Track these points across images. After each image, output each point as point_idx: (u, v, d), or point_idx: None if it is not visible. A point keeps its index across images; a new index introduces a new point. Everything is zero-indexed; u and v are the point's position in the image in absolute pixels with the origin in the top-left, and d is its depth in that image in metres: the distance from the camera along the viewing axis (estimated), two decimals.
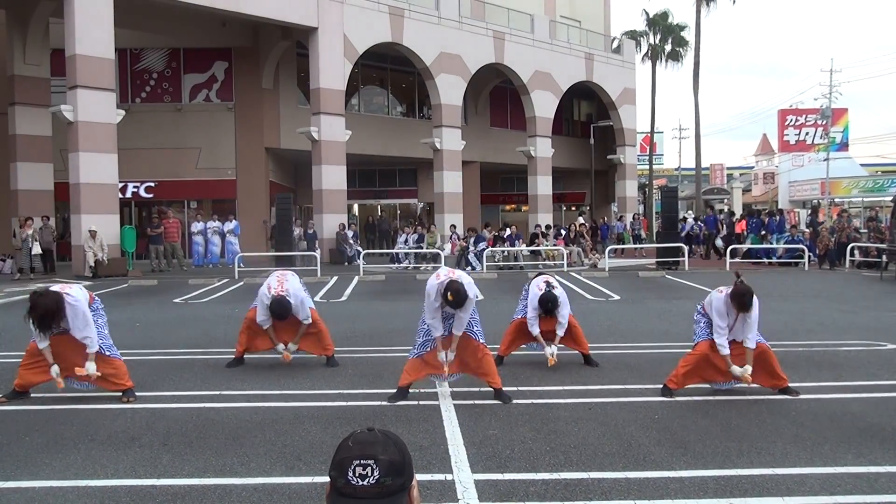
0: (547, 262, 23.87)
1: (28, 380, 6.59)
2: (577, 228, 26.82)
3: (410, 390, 6.52)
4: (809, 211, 30.11)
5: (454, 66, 28.95)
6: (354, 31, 25.82)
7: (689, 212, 38.46)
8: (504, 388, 6.50)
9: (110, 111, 20.38)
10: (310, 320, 7.73)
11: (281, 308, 7.38)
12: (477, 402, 6.39)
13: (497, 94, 36.20)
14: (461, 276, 6.22)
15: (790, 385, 6.59)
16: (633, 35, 42.48)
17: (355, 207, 36.50)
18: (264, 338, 7.84)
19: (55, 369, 6.42)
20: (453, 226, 27.27)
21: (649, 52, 43.39)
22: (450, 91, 28.82)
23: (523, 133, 33.83)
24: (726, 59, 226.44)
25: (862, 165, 50.01)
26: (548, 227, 27.00)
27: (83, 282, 18.79)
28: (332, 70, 25.11)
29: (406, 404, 6.35)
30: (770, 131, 56.27)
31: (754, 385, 6.56)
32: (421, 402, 6.42)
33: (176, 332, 10.73)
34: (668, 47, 43.52)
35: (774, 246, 23.74)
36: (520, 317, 7.86)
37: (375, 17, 26.48)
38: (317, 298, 14.64)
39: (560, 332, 7.61)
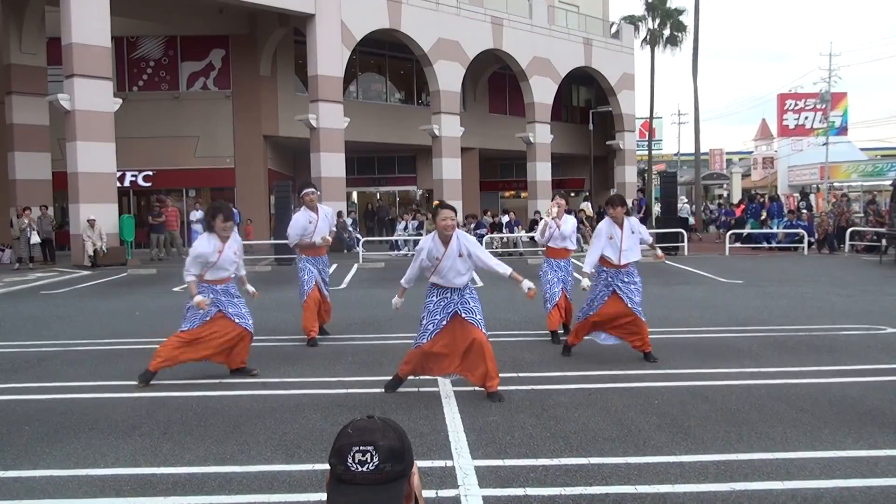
0: None
1: (175, 358, 6.76)
2: (577, 214, 26.81)
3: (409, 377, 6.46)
4: (800, 197, 30.17)
5: (452, 53, 28.82)
6: (352, 18, 25.67)
7: (682, 197, 38.48)
8: (502, 375, 6.31)
9: (107, 100, 20.30)
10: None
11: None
12: (477, 388, 6.38)
13: (496, 80, 36.07)
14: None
15: (652, 353, 7.46)
16: (632, 20, 42.22)
17: (354, 195, 36.44)
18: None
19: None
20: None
21: (648, 36, 43.10)
22: (448, 77, 28.70)
23: (522, 119, 33.73)
24: (725, 43, 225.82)
25: (861, 149, 49.86)
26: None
27: (82, 271, 18.81)
28: (329, 57, 24.98)
29: (406, 391, 6.35)
30: (769, 116, 56.11)
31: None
32: (421, 389, 6.42)
33: (176, 321, 10.65)
34: (666, 32, 43.21)
35: (774, 231, 23.75)
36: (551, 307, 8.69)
37: (373, 3, 26.32)
38: None
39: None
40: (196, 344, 6.72)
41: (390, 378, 6.44)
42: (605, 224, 7.62)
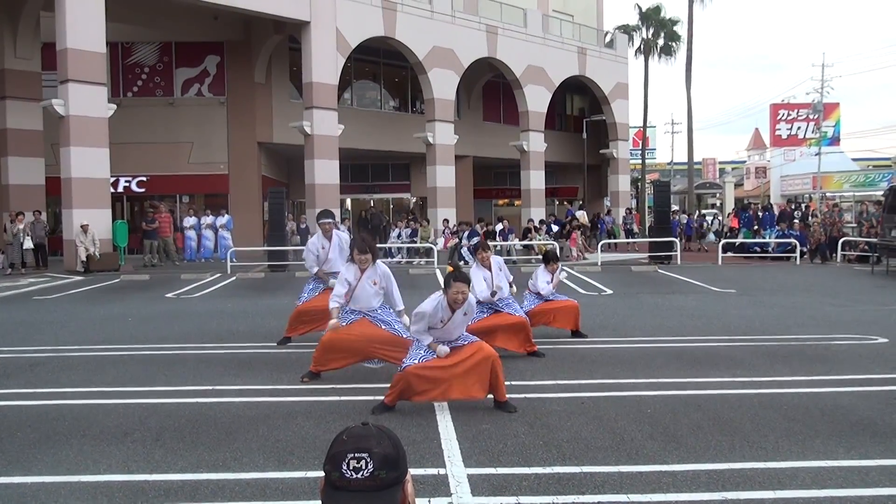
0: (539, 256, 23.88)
1: (326, 366, 6.94)
2: (571, 223, 26.88)
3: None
4: (794, 206, 30.34)
5: (447, 61, 28.90)
6: (347, 25, 25.73)
7: (674, 207, 38.66)
8: None
9: (102, 105, 20.26)
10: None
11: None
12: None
13: (490, 88, 36.16)
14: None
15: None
16: (626, 29, 42.49)
17: (348, 202, 36.44)
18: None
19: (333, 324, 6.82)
20: (446, 220, 27.25)
21: (642, 46, 43.39)
22: (442, 85, 28.76)
23: (516, 127, 33.80)
24: (719, 53, 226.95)
25: (853, 160, 50.20)
26: (541, 221, 27.07)
27: (75, 277, 18.74)
28: (324, 64, 25.02)
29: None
30: (762, 126, 56.41)
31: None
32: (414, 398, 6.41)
33: (168, 327, 10.70)
34: (660, 42, 43.52)
35: (766, 240, 23.84)
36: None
37: (368, 10, 26.39)
38: None
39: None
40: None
41: (379, 402, 6.09)
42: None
